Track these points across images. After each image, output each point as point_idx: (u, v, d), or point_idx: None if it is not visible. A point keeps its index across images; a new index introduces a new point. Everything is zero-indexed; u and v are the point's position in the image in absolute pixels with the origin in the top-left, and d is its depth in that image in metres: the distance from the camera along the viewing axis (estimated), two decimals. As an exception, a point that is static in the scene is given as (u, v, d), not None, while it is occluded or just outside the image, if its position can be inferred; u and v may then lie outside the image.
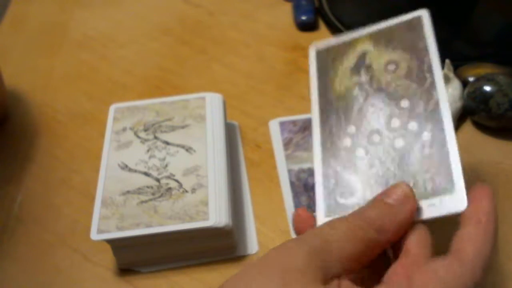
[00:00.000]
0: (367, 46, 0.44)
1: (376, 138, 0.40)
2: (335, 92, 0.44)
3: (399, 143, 0.39)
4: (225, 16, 0.72)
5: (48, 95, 0.64)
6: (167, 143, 0.50)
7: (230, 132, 0.56)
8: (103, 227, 0.44)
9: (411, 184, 0.37)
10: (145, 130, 0.51)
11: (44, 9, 0.77)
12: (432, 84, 0.40)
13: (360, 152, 0.40)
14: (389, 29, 0.44)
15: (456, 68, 0.56)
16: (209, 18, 0.72)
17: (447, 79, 0.54)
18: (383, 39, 0.44)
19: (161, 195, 0.46)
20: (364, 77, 0.43)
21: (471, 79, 0.55)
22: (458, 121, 0.54)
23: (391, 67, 0.42)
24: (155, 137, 0.51)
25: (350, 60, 0.45)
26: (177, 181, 0.47)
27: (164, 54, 0.68)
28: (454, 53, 0.58)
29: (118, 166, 0.49)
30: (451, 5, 0.62)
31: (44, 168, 0.56)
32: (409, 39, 0.43)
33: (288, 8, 0.71)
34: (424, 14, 0.43)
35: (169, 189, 0.46)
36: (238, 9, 0.73)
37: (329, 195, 0.40)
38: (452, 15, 0.63)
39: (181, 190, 0.46)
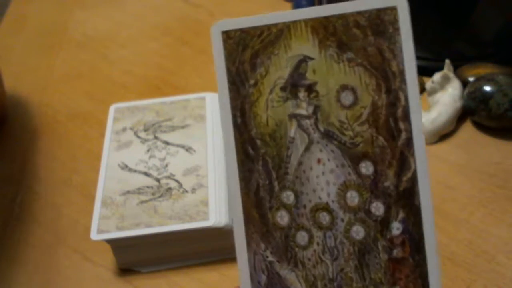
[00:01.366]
0: (309, 47, 0.28)
1: (324, 218, 0.28)
2: (259, 126, 0.28)
3: (359, 232, 0.28)
4: (225, 16, 0.72)
5: (48, 95, 0.64)
6: (167, 143, 0.50)
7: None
8: (103, 227, 0.44)
9: None
10: (145, 130, 0.51)
11: (44, 9, 0.77)
12: (409, 143, 0.27)
13: (302, 237, 0.28)
14: (344, 21, 0.28)
15: (456, 68, 0.56)
16: (209, 18, 0.72)
17: (447, 79, 0.54)
18: (333, 40, 0.28)
19: (161, 195, 0.46)
20: (305, 107, 0.28)
21: (471, 79, 0.55)
22: (458, 121, 0.54)
23: (347, 98, 0.28)
24: (155, 137, 0.51)
25: (281, 67, 0.28)
26: (177, 181, 0.47)
27: (164, 54, 0.68)
28: (454, 53, 0.58)
29: (118, 166, 0.49)
30: (451, 5, 0.62)
31: (44, 168, 0.56)
32: (376, 48, 0.28)
33: (288, 8, 0.71)
34: (401, 5, 0.27)
35: (169, 189, 0.46)
36: (238, 9, 0.72)
37: None
38: (452, 15, 0.63)
39: (181, 190, 0.46)
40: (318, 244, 0.28)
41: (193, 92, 0.56)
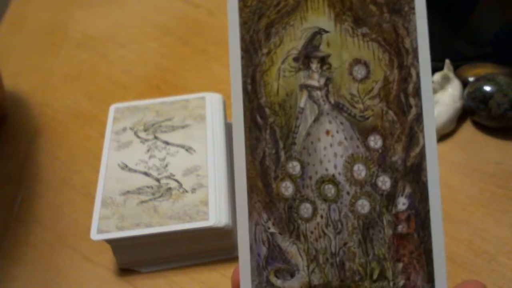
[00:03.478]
0: (325, 20, 0.28)
1: (330, 190, 0.28)
2: (269, 94, 0.28)
3: (364, 206, 0.28)
4: (225, 16, 0.72)
5: (48, 95, 0.64)
6: (167, 143, 0.50)
7: (230, 132, 0.56)
8: (103, 227, 0.44)
9: (375, 275, 0.28)
10: (145, 130, 0.51)
11: (44, 9, 0.77)
12: (418, 119, 0.28)
13: (306, 209, 0.28)
14: None
15: (456, 68, 0.56)
16: (209, 18, 0.72)
17: (447, 79, 0.54)
18: (350, 14, 0.28)
19: (161, 195, 0.46)
20: (317, 78, 0.28)
21: (471, 79, 0.55)
22: (458, 121, 0.54)
23: (360, 72, 0.28)
24: (155, 137, 0.51)
25: (296, 38, 0.28)
26: (177, 181, 0.47)
27: (164, 54, 0.68)
28: (454, 53, 0.58)
29: (118, 166, 0.49)
30: (450, 5, 0.62)
31: (44, 168, 0.56)
32: (391, 25, 0.28)
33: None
34: None
35: (169, 189, 0.46)
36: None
37: (259, 271, 0.28)
38: (452, 15, 0.63)
39: (181, 190, 0.46)
40: (322, 217, 0.28)
41: (193, 92, 0.56)
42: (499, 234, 0.46)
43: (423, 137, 0.27)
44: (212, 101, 0.53)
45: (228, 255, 0.47)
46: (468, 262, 0.44)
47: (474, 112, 0.53)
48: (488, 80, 0.52)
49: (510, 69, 0.55)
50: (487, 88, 0.52)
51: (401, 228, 0.28)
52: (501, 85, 0.52)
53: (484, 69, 0.56)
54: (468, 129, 0.54)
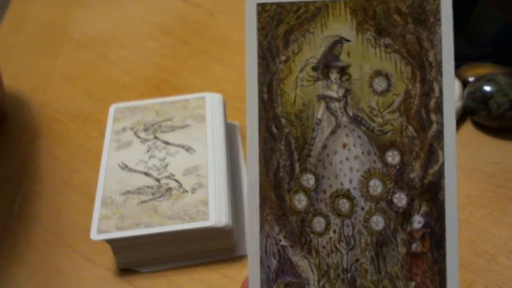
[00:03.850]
0: (346, 29, 0.27)
1: (344, 205, 0.27)
2: (286, 104, 0.28)
3: (378, 223, 0.27)
4: (225, 16, 0.72)
5: (48, 95, 0.64)
6: (167, 143, 0.50)
7: (230, 132, 0.56)
8: (103, 227, 0.44)
9: None
10: (145, 130, 0.51)
11: (44, 9, 0.77)
12: (439, 136, 0.27)
13: (319, 223, 0.27)
14: (385, 6, 0.27)
15: (456, 68, 0.56)
16: (209, 18, 0.72)
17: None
18: (372, 24, 0.27)
19: (161, 195, 0.46)
20: (335, 89, 0.27)
21: (471, 79, 0.55)
22: (458, 121, 0.54)
23: (380, 84, 0.27)
24: (155, 137, 0.51)
25: (316, 46, 0.27)
26: (177, 181, 0.47)
27: (164, 54, 0.68)
28: (454, 53, 0.58)
29: (118, 166, 0.49)
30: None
31: (44, 168, 0.56)
32: (415, 36, 0.27)
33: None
34: None
35: (169, 189, 0.46)
36: (238, 8, 0.72)
37: (269, 285, 0.27)
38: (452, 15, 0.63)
39: (181, 190, 0.46)
40: (334, 232, 0.27)
41: (193, 92, 0.56)
42: (499, 234, 0.46)
43: (443, 155, 0.27)
44: (212, 101, 0.53)
45: (228, 255, 0.47)
46: (468, 262, 0.44)
47: (474, 112, 0.53)
48: (488, 80, 0.52)
49: (510, 69, 0.55)
50: (487, 88, 0.52)
51: (415, 246, 0.27)
52: (501, 85, 0.52)
53: (484, 69, 0.56)
54: (468, 129, 0.54)
